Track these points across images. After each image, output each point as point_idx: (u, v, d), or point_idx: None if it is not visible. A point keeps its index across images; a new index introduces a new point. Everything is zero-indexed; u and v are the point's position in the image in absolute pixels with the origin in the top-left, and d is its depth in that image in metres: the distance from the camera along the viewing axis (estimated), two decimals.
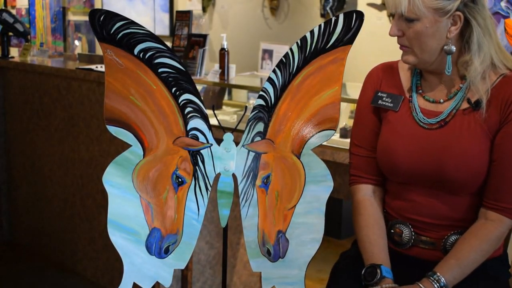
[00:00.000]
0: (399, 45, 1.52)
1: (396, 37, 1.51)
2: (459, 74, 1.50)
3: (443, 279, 1.43)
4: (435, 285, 1.42)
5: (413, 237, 1.55)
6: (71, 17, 6.19)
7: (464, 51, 1.47)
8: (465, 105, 1.49)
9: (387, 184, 1.62)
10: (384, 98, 1.59)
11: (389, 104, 1.57)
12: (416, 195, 1.53)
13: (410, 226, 1.55)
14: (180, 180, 1.53)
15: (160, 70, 1.47)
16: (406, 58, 1.51)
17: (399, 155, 1.53)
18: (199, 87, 2.41)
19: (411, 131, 1.53)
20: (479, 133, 1.46)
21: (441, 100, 1.52)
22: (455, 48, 1.45)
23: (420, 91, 1.55)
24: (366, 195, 1.62)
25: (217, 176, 1.55)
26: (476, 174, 1.47)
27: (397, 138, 1.54)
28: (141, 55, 1.45)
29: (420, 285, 1.43)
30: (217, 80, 3.02)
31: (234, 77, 3.14)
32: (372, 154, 1.61)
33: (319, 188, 1.52)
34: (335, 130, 1.51)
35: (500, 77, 1.47)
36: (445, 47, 1.45)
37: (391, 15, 4.02)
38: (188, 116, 1.50)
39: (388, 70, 1.63)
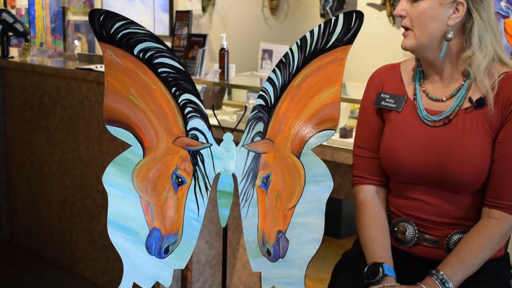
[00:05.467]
0: (402, 29, 1.53)
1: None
2: (461, 71, 1.51)
3: (445, 277, 1.42)
4: (438, 283, 1.42)
5: (417, 235, 1.55)
6: (71, 17, 6.19)
7: (466, 46, 1.48)
8: (466, 104, 1.50)
9: (390, 183, 1.63)
10: (387, 99, 1.60)
11: (392, 105, 1.59)
12: (420, 194, 1.54)
13: (414, 224, 1.55)
14: (180, 180, 1.53)
15: (159, 70, 1.47)
16: (406, 42, 1.52)
17: (402, 155, 1.53)
18: (199, 87, 2.41)
19: (415, 130, 1.54)
20: (481, 132, 1.47)
21: (444, 99, 1.53)
22: (453, 36, 1.47)
23: (424, 89, 1.56)
24: (369, 195, 1.62)
25: (217, 176, 1.55)
26: (479, 173, 1.47)
27: (400, 139, 1.55)
28: (140, 55, 1.45)
29: (422, 285, 1.43)
30: (217, 80, 3.02)
31: (234, 77, 3.14)
32: (375, 155, 1.62)
33: (319, 188, 1.52)
34: (335, 130, 1.51)
35: (500, 76, 1.48)
36: (448, 35, 1.47)
37: (391, 15, 4.02)
38: (188, 116, 1.50)
39: (390, 72, 1.64)
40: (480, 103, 1.47)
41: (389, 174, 1.60)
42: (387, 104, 1.59)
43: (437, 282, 1.42)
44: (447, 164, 1.47)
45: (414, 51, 1.53)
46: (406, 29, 1.52)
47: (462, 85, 1.51)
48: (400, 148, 1.54)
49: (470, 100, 1.49)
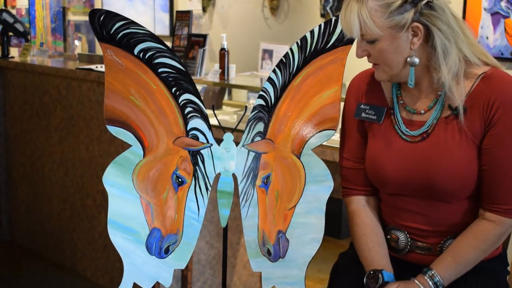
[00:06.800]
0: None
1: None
2: (436, 82, 1.45)
3: (438, 276, 1.42)
4: (429, 282, 1.42)
5: (409, 243, 1.53)
6: (71, 17, 6.19)
7: (433, 59, 1.42)
8: (446, 112, 1.45)
9: (380, 193, 1.60)
10: (367, 111, 1.55)
11: (373, 117, 1.54)
12: (409, 204, 1.51)
13: (406, 233, 1.54)
14: (180, 180, 1.53)
15: (160, 70, 1.47)
16: (378, 75, 1.48)
17: (386, 168, 1.50)
18: (199, 87, 2.41)
19: (396, 143, 1.50)
20: (463, 141, 1.43)
21: (422, 111, 1.48)
22: (418, 60, 1.41)
23: (401, 101, 1.52)
24: (360, 205, 1.59)
25: (217, 176, 1.55)
26: (466, 182, 1.44)
27: (383, 151, 1.52)
28: (141, 55, 1.45)
29: (416, 281, 1.43)
30: (217, 80, 3.03)
31: (234, 77, 3.14)
32: (361, 166, 1.58)
33: (319, 188, 1.52)
34: (335, 130, 1.51)
35: (479, 78, 1.42)
36: (408, 59, 1.41)
37: None
38: (188, 116, 1.50)
39: (368, 79, 1.59)
40: (460, 110, 1.42)
41: (376, 186, 1.57)
42: (367, 116, 1.55)
43: (428, 280, 1.42)
44: (432, 176, 1.44)
45: (389, 80, 1.49)
46: (375, 64, 1.47)
47: (439, 95, 1.46)
48: (384, 162, 1.51)
49: (449, 107, 1.44)
